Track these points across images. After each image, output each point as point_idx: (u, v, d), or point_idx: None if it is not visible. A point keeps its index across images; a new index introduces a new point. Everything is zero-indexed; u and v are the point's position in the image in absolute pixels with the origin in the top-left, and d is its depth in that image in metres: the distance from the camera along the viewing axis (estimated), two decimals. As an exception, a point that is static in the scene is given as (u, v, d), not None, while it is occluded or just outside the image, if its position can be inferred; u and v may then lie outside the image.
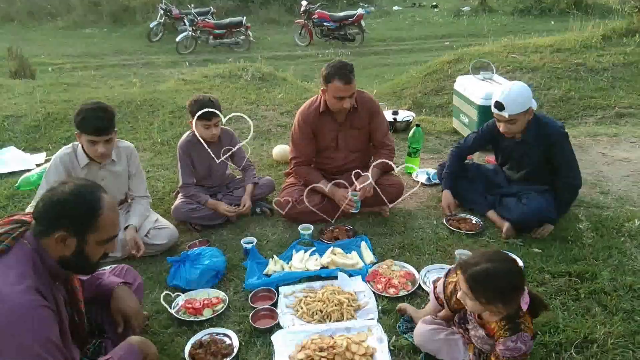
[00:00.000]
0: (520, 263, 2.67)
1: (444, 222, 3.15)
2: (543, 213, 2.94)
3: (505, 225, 2.99)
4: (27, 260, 1.61)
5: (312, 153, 3.36)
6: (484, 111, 4.20)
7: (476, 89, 4.37)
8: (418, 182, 3.78)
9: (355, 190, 3.15)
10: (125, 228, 2.92)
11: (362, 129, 3.32)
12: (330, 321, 2.39)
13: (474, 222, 3.16)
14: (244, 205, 3.30)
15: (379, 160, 3.18)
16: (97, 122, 2.70)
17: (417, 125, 3.92)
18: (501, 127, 2.98)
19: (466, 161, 3.42)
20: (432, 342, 2.01)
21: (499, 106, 2.90)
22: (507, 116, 2.88)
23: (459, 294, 1.89)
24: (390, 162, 3.26)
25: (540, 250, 2.82)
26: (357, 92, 3.19)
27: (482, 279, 1.76)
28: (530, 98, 2.94)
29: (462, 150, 3.34)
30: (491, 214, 3.18)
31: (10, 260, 1.60)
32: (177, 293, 2.61)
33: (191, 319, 2.43)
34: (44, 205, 1.66)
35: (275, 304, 2.51)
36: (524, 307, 1.79)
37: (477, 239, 3.00)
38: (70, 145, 2.95)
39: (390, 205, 3.28)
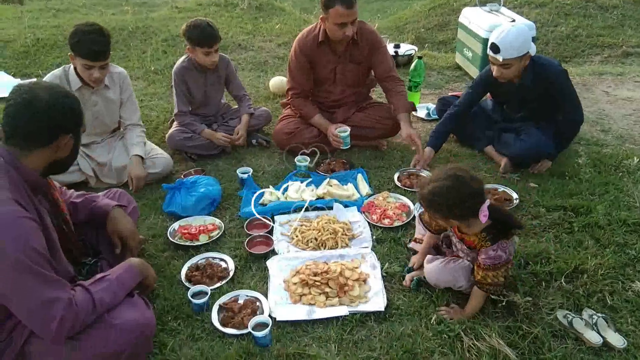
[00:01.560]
0: (515, 195, 2.68)
1: (395, 179, 2.93)
2: (542, 148, 2.90)
3: (503, 161, 2.97)
4: (2, 174, 1.56)
5: (309, 85, 3.25)
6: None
7: (482, 21, 4.19)
8: (417, 117, 3.75)
9: (341, 127, 3.09)
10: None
11: (361, 63, 3.19)
12: (324, 249, 2.42)
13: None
14: (238, 135, 3.25)
15: (405, 102, 3.10)
16: (93, 46, 2.59)
17: (419, 58, 3.80)
18: (494, 70, 2.84)
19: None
20: (446, 273, 2.01)
21: (494, 48, 2.75)
22: (501, 60, 2.74)
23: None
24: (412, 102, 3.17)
25: (537, 185, 2.82)
26: (358, 23, 3.03)
27: (429, 198, 1.86)
28: (529, 42, 2.78)
29: (459, 110, 3.13)
30: (489, 149, 3.15)
31: None
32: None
33: (187, 243, 2.45)
34: (36, 122, 1.59)
35: (270, 232, 2.52)
36: (483, 219, 1.82)
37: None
38: (62, 68, 2.85)
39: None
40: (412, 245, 2.25)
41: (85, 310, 1.57)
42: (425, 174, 2.96)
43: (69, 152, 1.70)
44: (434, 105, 3.69)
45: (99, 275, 1.71)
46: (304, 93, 3.27)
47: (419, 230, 2.26)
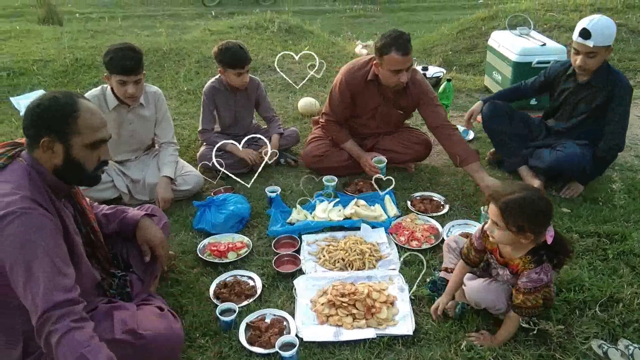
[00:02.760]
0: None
1: (408, 204, 2.91)
2: (578, 160, 2.76)
3: (537, 183, 2.92)
4: (23, 175, 1.62)
5: (345, 115, 3.20)
6: (519, 68, 4.05)
7: (512, 44, 4.19)
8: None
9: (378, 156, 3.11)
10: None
11: (406, 110, 3.16)
12: (351, 270, 2.41)
13: (439, 201, 2.95)
14: (269, 156, 3.29)
15: (471, 150, 2.96)
16: (126, 61, 2.69)
17: (448, 80, 3.81)
18: (578, 60, 2.77)
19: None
20: (489, 292, 1.95)
21: (585, 34, 2.68)
22: (591, 46, 2.66)
23: (487, 226, 1.91)
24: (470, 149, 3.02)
25: (569, 210, 2.76)
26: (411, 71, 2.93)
27: (516, 205, 1.77)
28: (614, 36, 2.75)
29: (523, 86, 3.19)
30: (523, 170, 3.05)
31: (6, 175, 1.61)
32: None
33: (216, 260, 2.49)
34: (26, 117, 1.66)
35: (297, 251, 2.54)
36: (549, 239, 1.78)
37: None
38: (99, 87, 2.96)
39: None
40: (442, 274, 2.21)
41: (70, 344, 1.46)
42: (437, 198, 2.94)
43: (63, 160, 1.67)
44: (462, 128, 3.67)
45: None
46: (339, 122, 3.24)
47: (450, 260, 2.22)
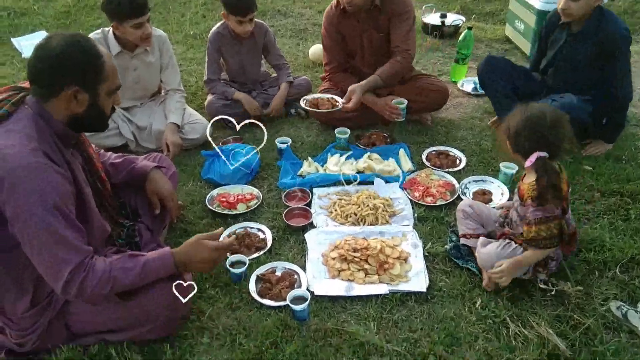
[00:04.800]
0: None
1: (423, 158, 2.79)
2: (575, 112, 2.52)
3: None
4: (30, 124, 1.50)
5: (343, 57, 3.12)
6: (544, 18, 3.81)
7: (537, -9, 3.92)
8: (463, 91, 3.58)
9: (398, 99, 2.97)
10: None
11: (385, 31, 2.99)
12: (364, 225, 2.35)
13: (455, 157, 2.83)
14: (271, 108, 3.18)
15: (389, 71, 2.90)
16: (137, 1, 2.54)
17: (469, 29, 3.60)
18: (561, 2, 2.60)
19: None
20: (503, 258, 1.90)
21: None
22: None
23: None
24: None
25: (590, 168, 2.65)
26: None
27: (511, 114, 1.88)
28: None
29: (531, 63, 3.06)
30: None
31: (12, 125, 1.49)
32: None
33: (225, 212, 2.43)
34: (42, 65, 1.51)
35: (309, 204, 2.47)
36: (526, 163, 1.82)
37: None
38: (100, 30, 2.80)
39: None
40: (464, 241, 2.13)
41: (96, 281, 1.50)
42: (454, 153, 2.83)
43: (86, 109, 1.57)
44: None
45: (130, 253, 1.66)
46: (342, 66, 3.14)
47: (468, 226, 2.13)
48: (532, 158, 1.79)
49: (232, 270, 2.04)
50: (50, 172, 1.46)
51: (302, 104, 3.02)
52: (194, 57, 4.22)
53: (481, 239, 2.02)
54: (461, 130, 3.11)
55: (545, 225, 1.78)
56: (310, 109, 2.98)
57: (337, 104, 2.94)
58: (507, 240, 1.96)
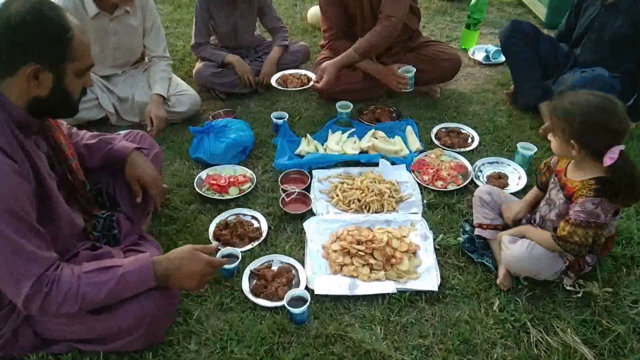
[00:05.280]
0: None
1: (432, 136, 2.55)
2: (606, 85, 2.35)
3: None
4: None
5: (342, 21, 2.82)
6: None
7: (557, -51, 3.58)
8: (474, 60, 3.31)
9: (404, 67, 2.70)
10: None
11: None
12: (368, 212, 2.14)
13: (467, 134, 2.58)
14: (261, 75, 2.90)
15: (366, 44, 2.62)
16: None
17: (482, -9, 3.29)
18: None
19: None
20: (532, 262, 1.70)
21: None
22: None
23: (542, 127, 1.78)
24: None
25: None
26: None
27: (567, 105, 1.59)
28: None
29: (559, 32, 2.79)
30: (545, 106, 2.62)
31: None
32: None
33: (216, 196, 2.21)
34: None
35: (307, 188, 2.25)
36: (607, 161, 1.52)
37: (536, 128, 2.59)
38: (75, -11, 2.49)
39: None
40: (478, 232, 1.93)
41: (61, 298, 1.30)
42: (466, 130, 2.59)
43: (50, 91, 1.33)
44: (494, 48, 3.23)
45: (106, 263, 1.42)
46: (342, 33, 2.85)
47: (484, 215, 1.92)
48: (614, 154, 1.51)
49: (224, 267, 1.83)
50: (3, 172, 1.22)
51: (274, 80, 2.79)
52: (182, 19, 3.89)
53: (507, 236, 1.81)
54: (473, 104, 2.86)
55: (583, 230, 1.58)
56: (277, 85, 2.78)
57: (309, 81, 2.75)
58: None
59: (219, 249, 1.89)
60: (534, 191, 1.92)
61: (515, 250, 1.73)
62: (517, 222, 1.88)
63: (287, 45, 3.02)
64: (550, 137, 1.71)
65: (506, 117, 2.73)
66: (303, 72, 2.85)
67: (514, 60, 2.71)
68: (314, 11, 3.70)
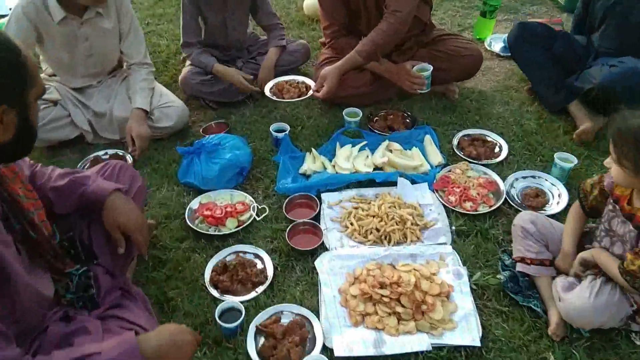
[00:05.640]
0: None
1: (454, 145, 2.26)
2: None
3: (593, 123, 2.24)
4: None
5: (344, 16, 2.47)
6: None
7: None
8: (492, 51, 2.99)
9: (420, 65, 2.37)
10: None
11: None
12: (389, 244, 1.85)
13: (494, 142, 2.28)
14: (260, 82, 2.56)
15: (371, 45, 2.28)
16: None
17: (499, -27, 2.95)
18: None
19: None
20: (599, 311, 1.42)
21: None
22: None
23: (606, 160, 1.45)
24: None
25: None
26: None
27: (630, 134, 1.33)
28: None
29: (574, 23, 2.50)
30: (575, 107, 2.33)
31: None
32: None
33: (212, 231, 1.90)
34: None
35: (317, 216, 1.95)
36: None
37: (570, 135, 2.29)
38: (36, -7, 2.13)
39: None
40: (520, 267, 1.64)
41: None
42: (492, 137, 2.28)
43: (16, 132, 1.08)
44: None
45: (80, 352, 1.13)
46: (344, 29, 2.52)
47: (528, 248, 1.64)
48: None
49: (223, 325, 1.54)
50: None
51: (267, 89, 2.44)
52: (165, 13, 3.52)
53: (560, 281, 1.52)
54: (496, 104, 2.55)
55: None
56: (272, 96, 2.43)
57: (308, 90, 2.43)
58: (598, 279, 1.47)
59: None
60: (579, 220, 1.63)
61: (575, 300, 1.44)
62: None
63: (285, 46, 2.68)
64: (610, 163, 1.43)
65: (535, 119, 2.42)
66: (301, 79, 2.51)
67: (527, 65, 2.48)
68: (311, 1, 3.34)
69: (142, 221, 1.55)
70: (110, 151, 2.29)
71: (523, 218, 1.68)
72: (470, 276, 1.70)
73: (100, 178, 1.59)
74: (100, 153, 2.28)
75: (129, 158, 2.24)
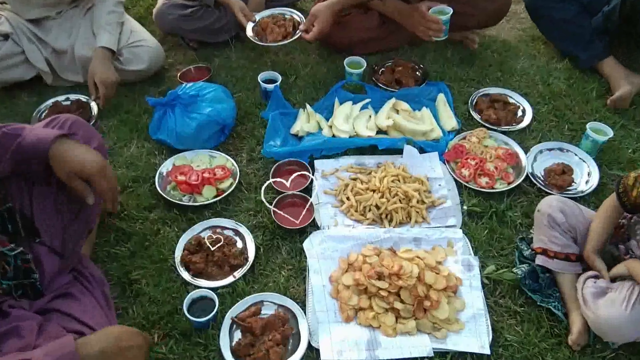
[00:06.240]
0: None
1: (469, 106, 1.95)
2: None
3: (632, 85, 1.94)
4: None
5: None
6: None
7: None
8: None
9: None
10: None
11: None
12: (390, 224, 1.60)
13: (517, 105, 1.98)
14: (250, 17, 2.16)
15: None
16: None
17: None
18: None
19: None
20: (634, 325, 1.20)
21: None
22: None
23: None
24: None
25: None
26: None
27: None
28: None
29: None
30: (608, 64, 2.03)
31: None
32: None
33: (185, 200, 1.64)
34: None
35: (309, 188, 1.68)
36: None
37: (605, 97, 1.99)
38: None
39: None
40: (541, 260, 1.40)
41: None
42: (515, 99, 1.98)
43: None
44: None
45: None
46: None
47: (553, 239, 1.39)
48: None
49: (191, 318, 1.32)
50: None
51: (249, 28, 2.08)
52: None
53: (590, 285, 1.29)
54: (520, 58, 2.21)
55: None
56: (255, 38, 2.06)
57: (295, 28, 2.06)
58: (637, 287, 1.24)
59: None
60: (614, 217, 1.37)
61: (607, 310, 1.22)
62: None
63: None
64: None
65: (564, 78, 2.10)
66: (289, 14, 2.13)
67: (549, 25, 2.15)
68: None
69: (103, 163, 1.24)
70: (73, 96, 1.99)
71: (551, 205, 1.42)
72: (482, 268, 1.47)
73: (39, 128, 1.28)
74: (61, 98, 1.98)
75: (94, 106, 1.93)
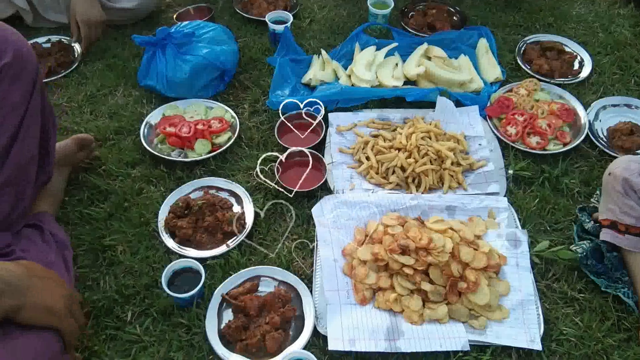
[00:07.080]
0: None
1: (516, 53, 1.67)
2: None
3: None
4: None
5: None
6: None
7: None
8: None
9: None
10: None
11: None
12: (419, 189, 1.32)
13: (573, 54, 1.67)
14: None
15: None
16: None
17: None
18: None
19: None
20: None
21: None
22: None
23: None
24: None
25: None
26: None
27: None
28: None
29: None
30: None
31: None
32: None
33: (174, 155, 1.39)
34: None
35: (321, 145, 1.41)
36: None
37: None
38: None
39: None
40: (607, 235, 1.12)
41: None
42: (571, 47, 1.67)
43: None
44: None
45: None
46: None
47: (626, 209, 1.11)
48: None
49: (171, 294, 1.07)
50: None
51: None
52: None
53: None
54: (576, 2, 1.91)
55: None
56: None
57: None
58: None
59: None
60: None
61: None
62: None
63: None
64: None
65: (629, 25, 1.79)
66: None
67: None
68: None
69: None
70: (54, 38, 1.77)
71: (628, 167, 1.12)
72: (531, 244, 1.19)
73: None
74: (42, 40, 1.76)
75: (78, 49, 1.69)
